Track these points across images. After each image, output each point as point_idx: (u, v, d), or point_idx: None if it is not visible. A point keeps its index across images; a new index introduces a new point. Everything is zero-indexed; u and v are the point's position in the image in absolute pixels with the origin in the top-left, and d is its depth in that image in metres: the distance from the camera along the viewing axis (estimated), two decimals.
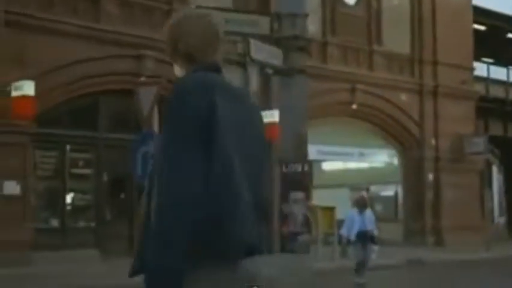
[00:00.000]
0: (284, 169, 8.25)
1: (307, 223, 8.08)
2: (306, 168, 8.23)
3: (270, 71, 10.71)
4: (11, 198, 16.61)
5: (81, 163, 19.18)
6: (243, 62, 21.32)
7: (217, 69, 2.65)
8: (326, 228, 18.45)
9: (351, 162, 28.94)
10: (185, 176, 2.34)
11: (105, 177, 19.10)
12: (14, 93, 16.44)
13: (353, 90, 24.94)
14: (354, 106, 25.17)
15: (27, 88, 16.34)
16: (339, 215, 20.71)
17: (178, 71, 2.68)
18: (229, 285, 2.35)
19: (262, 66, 11.11)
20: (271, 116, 21.14)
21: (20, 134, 16.84)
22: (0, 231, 15.95)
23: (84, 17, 18.14)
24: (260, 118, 2.71)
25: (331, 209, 18.96)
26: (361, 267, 14.06)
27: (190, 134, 2.39)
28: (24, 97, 16.31)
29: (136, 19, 19.40)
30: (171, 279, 2.31)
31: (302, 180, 8.08)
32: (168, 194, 2.36)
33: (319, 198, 23.33)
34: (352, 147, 26.96)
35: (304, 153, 9.28)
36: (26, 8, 17.22)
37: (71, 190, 18.72)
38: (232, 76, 21.34)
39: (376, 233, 14.37)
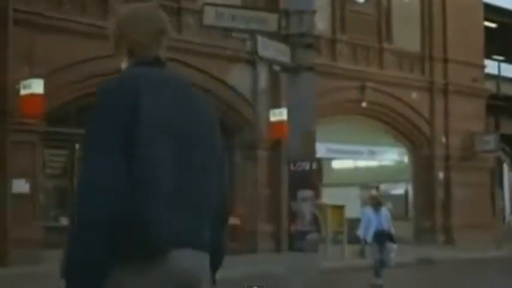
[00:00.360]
0: (292, 167, 8.29)
1: (315, 222, 8.07)
2: (315, 166, 8.25)
3: (277, 69, 10.68)
4: (20, 196, 16.61)
5: None
6: (252, 60, 21.27)
7: (159, 64, 2.61)
8: (335, 227, 18.40)
9: (360, 160, 28.87)
10: (99, 176, 2.34)
11: None
12: (23, 92, 16.47)
13: (363, 88, 24.84)
14: (364, 104, 25.07)
15: (36, 86, 16.37)
16: (349, 213, 20.76)
17: (123, 65, 2.66)
18: (151, 283, 2.35)
19: (269, 63, 11.09)
20: (280, 115, 21.16)
21: (29, 132, 16.84)
22: (10, 230, 15.98)
23: (92, 15, 18.09)
24: (204, 110, 2.66)
25: (340, 208, 18.92)
26: (379, 267, 13.75)
27: (110, 134, 2.38)
28: (33, 95, 16.35)
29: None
30: (87, 271, 2.30)
31: (310, 178, 8.10)
32: (80, 193, 2.38)
33: (329, 196, 23.32)
34: (362, 145, 26.88)
35: (313, 151, 9.29)
36: (35, 6, 17.21)
37: None
38: (241, 74, 21.38)
39: (393, 231, 14.07)
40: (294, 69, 9.14)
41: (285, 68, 9.55)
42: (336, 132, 24.12)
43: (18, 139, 16.63)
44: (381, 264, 13.74)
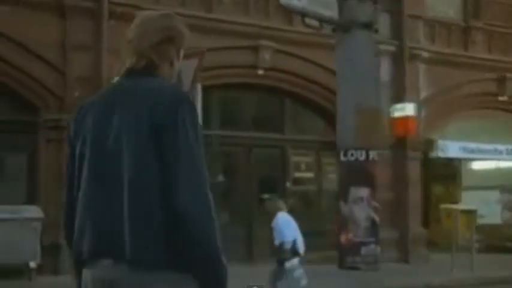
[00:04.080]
0: (343, 157, 5.97)
1: (374, 230, 5.86)
2: (372, 155, 5.97)
3: (317, 25, 8.60)
4: None
5: None
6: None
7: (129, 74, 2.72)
8: (464, 234, 16.26)
9: (500, 160, 26.05)
10: None
11: (219, 178, 17.79)
12: None
13: (501, 80, 22.30)
14: (503, 98, 22.52)
15: None
16: (487, 219, 18.52)
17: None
18: None
19: (304, 16, 9.05)
20: (404, 110, 19.18)
21: None
22: None
23: (193, 7, 16.87)
24: (145, 118, 2.53)
25: (470, 212, 16.71)
26: None
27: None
28: None
29: (251, 7, 17.99)
30: None
31: (367, 172, 5.84)
32: None
33: (465, 200, 21.11)
34: (502, 143, 24.17)
35: (374, 135, 6.85)
36: None
37: None
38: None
39: None
40: (343, 26, 6.98)
41: (332, 24, 7.40)
42: (471, 129, 21.82)
43: None
44: None
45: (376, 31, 7.86)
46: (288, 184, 18.63)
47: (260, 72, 18.01)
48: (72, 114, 2.81)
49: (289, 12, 18.66)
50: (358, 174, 5.88)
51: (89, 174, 2.55)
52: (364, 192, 5.80)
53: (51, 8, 15.30)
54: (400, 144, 19.33)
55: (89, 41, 15.51)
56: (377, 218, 5.71)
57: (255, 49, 17.83)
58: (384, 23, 19.76)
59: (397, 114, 19.31)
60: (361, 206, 5.74)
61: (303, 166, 19.48)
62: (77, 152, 2.62)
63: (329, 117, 19.57)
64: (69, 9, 15.48)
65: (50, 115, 15.09)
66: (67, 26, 15.40)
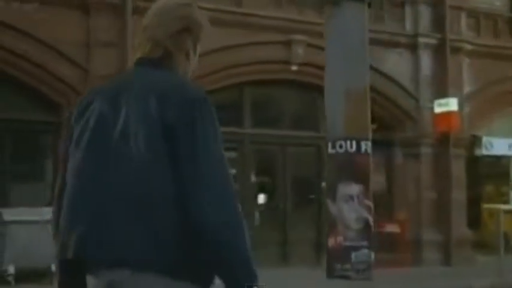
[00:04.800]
0: (331, 149, 5.02)
1: (367, 232, 4.77)
2: (366, 147, 4.98)
3: None
4: None
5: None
6: (412, 44, 18.69)
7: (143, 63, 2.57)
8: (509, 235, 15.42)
9: None
10: None
11: (252, 178, 17.21)
12: None
13: None
14: None
15: None
16: None
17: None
18: None
19: None
20: (447, 105, 18.34)
21: None
22: None
23: (223, 1, 16.31)
24: (148, 113, 2.34)
25: None
26: None
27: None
28: None
29: (283, 0, 17.37)
30: None
31: (358, 166, 4.87)
32: None
33: None
34: None
35: (366, 124, 5.73)
36: None
37: None
38: (399, 60, 18.67)
39: None
40: None
41: None
42: None
43: None
44: None
45: (369, 5, 7.08)
46: (323, 184, 17.94)
47: (294, 67, 17.39)
48: None
49: (322, 5, 18.06)
50: (347, 169, 4.87)
51: (85, 159, 2.39)
52: (354, 189, 4.79)
53: (75, 4, 14.95)
54: (443, 141, 18.49)
55: (113, 38, 15.10)
56: (371, 219, 4.71)
57: (288, 44, 17.22)
58: (424, 14, 19.02)
59: (439, 109, 18.49)
60: (351, 206, 4.75)
61: None
62: (75, 133, 2.46)
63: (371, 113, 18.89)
64: (93, 5, 15.12)
65: None
66: (90, 23, 15.03)
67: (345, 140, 4.91)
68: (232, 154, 16.67)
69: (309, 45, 17.19)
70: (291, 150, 17.74)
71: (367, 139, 4.92)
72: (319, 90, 18.26)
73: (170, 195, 2.27)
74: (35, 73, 14.71)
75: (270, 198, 17.60)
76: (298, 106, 18.29)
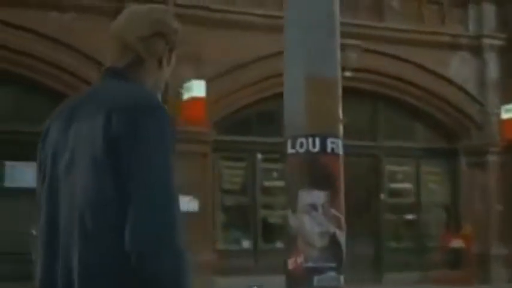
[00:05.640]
0: (290, 149, 3.92)
1: (334, 250, 3.69)
2: (334, 146, 3.87)
3: None
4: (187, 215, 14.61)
5: (274, 174, 16.55)
6: (476, 46, 17.64)
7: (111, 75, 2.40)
8: None
9: None
10: None
11: None
12: (185, 96, 14.59)
13: None
14: None
15: (198, 89, 14.35)
16: None
17: None
18: None
19: None
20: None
21: (199, 142, 14.85)
22: None
23: (270, 6, 15.68)
24: (105, 130, 2.13)
25: None
26: None
27: None
28: (194, 99, 14.35)
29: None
30: None
31: (322, 168, 3.86)
32: None
33: None
34: None
35: (335, 120, 4.32)
36: None
37: (263, 206, 16.28)
38: (463, 64, 17.53)
39: None
40: None
41: None
42: None
43: (187, 149, 14.61)
44: None
45: None
46: (382, 196, 17.05)
47: (347, 73, 16.52)
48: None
49: (378, 8, 17.23)
50: (309, 172, 3.74)
51: (45, 209, 2.28)
52: (318, 197, 3.64)
53: (112, 12, 14.62)
54: (511, 149, 17.31)
55: None
56: (340, 234, 3.53)
57: (341, 49, 16.38)
58: (488, 14, 17.95)
59: (506, 115, 17.36)
60: (314, 217, 3.63)
61: (399, 176, 17.79)
62: (41, 168, 2.35)
63: (429, 121, 17.90)
64: None
65: None
66: None
67: (306, 137, 3.83)
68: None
69: (364, 49, 16.48)
70: (346, 160, 16.84)
71: (335, 136, 3.89)
72: (377, 96, 17.51)
73: (114, 222, 2.12)
74: (73, 84, 14.50)
75: None
76: (354, 114, 17.42)
